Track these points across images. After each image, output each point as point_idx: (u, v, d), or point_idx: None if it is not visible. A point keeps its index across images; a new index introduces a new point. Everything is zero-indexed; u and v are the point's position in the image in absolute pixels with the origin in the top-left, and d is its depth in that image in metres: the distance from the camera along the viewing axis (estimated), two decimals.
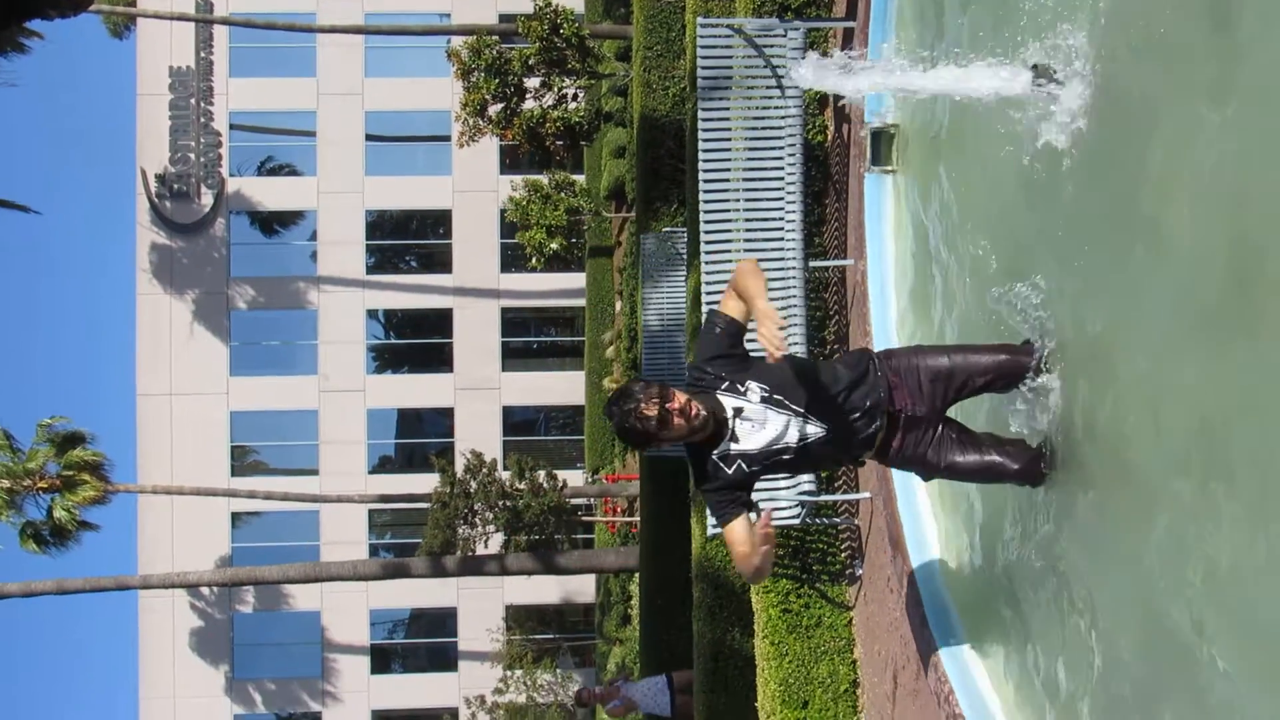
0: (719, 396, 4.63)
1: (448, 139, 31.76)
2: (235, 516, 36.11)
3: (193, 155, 36.66)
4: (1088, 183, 4.46)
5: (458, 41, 23.73)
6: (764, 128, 8.78)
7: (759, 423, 4.60)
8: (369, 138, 37.69)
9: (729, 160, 8.93)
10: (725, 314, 4.64)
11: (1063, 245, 4.69)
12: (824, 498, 8.40)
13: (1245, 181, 3.51)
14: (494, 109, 22.02)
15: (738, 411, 4.60)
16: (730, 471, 4.65)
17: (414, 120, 37.78)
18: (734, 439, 4.61)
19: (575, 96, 23.49)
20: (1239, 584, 3.57)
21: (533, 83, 22.09)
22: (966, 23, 5.63)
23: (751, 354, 4.73)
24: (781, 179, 8.67)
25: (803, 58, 7.08)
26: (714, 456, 4.65)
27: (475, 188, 36.54)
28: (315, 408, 36.53)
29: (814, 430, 4.63)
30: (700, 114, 8.94)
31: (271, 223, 38.25)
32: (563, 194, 25.15)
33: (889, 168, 6.80)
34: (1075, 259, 4.58)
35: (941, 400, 4.74)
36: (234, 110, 37.49)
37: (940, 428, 4.77)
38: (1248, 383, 3.53)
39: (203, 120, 37.05)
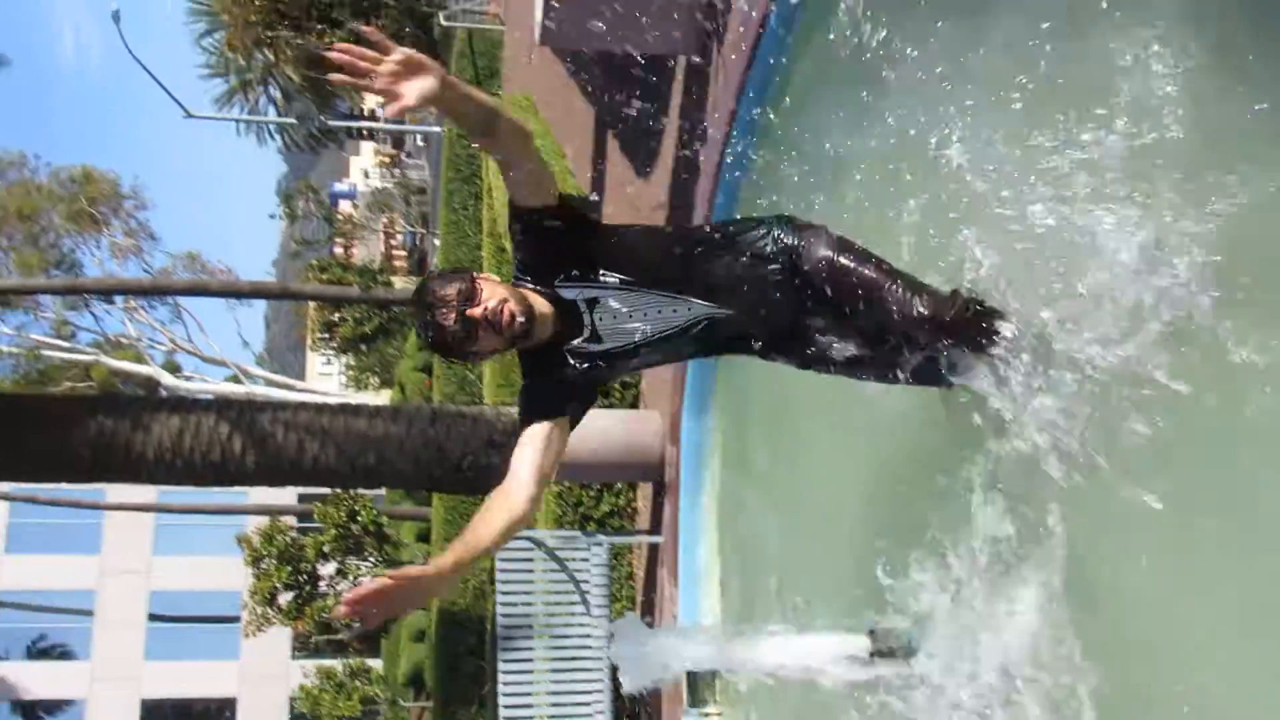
0: (562, 289, 3.44)
1: (237, 620, 30.11)
2: None
3: None
4: None
5: (250, 525, 22.89)
6: (569, 648, 8.11)
7: (625, 313, 3.44)
8: (152, 618, 35.51)
9: (531, 682, 8.17)
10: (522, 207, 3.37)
11: None
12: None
13: None
14: (285, 597, 20.87)
15: (590, 302, 3.44)
16: (583, 368, 3.46)
17: (202, 600, 35.89)
18: (592, 338, 3.45)
19: None
20: None
21: (328, 569, 21.16)
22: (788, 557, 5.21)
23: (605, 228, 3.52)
24: (589, 706, 7.91)
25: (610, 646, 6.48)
26: (564, 348, 3.46)
27: (264, 674, 34.32)
28: None
29: (711, 311, 3.48)
30: (501, 633, 8.25)
31: (35, 710, 34.92)
32: (357, 682, 23.68)
33: (709, 711, 6.14)
34: None
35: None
36: (5, 589, 35.07)
37: None
38: None
39: None
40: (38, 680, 34.96)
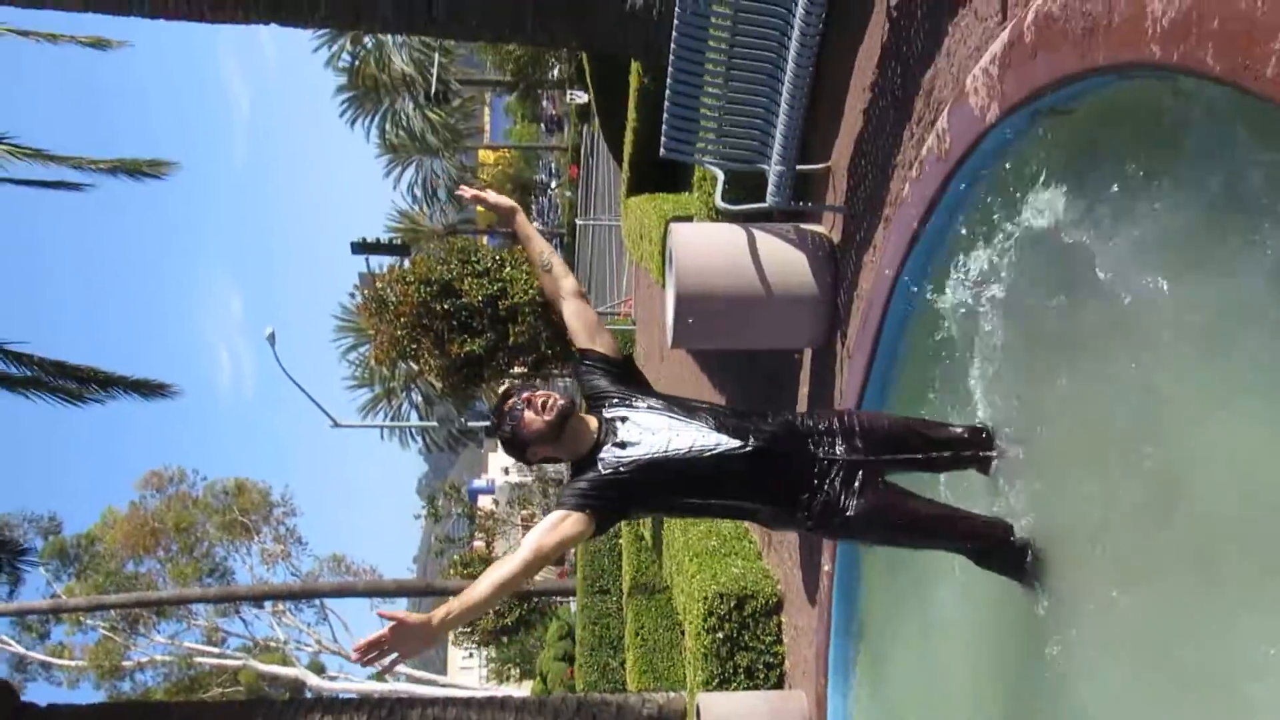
0: (604, 411, 4.23)
1: None
2: None
3: None
4: None
5: None
6: None
7: (649, 429, 4.12)
8: None
9: None
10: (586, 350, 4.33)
11: None
12: None
13: None
14: None
15: (622, 419, 4.17)
16: (605, 473, 4.03)
17: None
18: (619, 445, 4.09)
19: None
20: None
21: None
22: None
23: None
24: None
25: None
26: (596, 456, 4.09)
27: None
28: None
29: (727, 441, 4.08)
30: None
31: None
32: None
33: None
34: None
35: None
36: None
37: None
38: None
39: None
40: None
